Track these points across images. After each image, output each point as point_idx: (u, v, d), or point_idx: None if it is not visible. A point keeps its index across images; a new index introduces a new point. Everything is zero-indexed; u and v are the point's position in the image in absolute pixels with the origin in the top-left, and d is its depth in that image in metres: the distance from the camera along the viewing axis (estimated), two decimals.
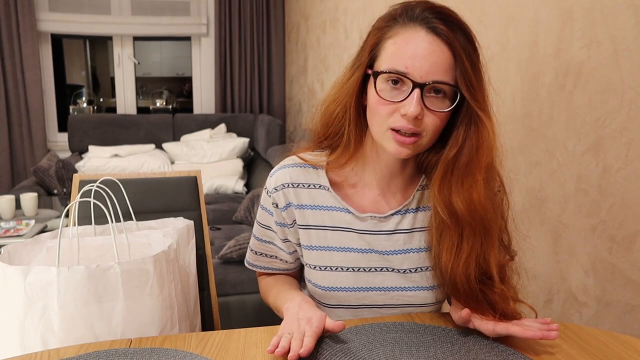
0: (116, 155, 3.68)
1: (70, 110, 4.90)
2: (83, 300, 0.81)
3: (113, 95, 4.61)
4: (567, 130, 1.15)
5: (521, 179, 1.30)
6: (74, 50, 5.27)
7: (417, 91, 0.75)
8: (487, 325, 0.77)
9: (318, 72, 3.30)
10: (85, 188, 0.97)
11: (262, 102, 4.39)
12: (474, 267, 0.79)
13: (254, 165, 3.85)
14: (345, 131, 0.86)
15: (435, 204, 0.83)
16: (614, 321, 1.05)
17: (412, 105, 0.74)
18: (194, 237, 1.12)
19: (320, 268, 0.90)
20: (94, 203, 0.98)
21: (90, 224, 1.07)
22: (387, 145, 0.80)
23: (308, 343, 0.71)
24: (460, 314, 0.79)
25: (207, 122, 4.10)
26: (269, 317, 1.00)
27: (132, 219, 1.09)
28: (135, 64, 4.44)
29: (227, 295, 1.85)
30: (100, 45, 5.35)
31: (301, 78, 3.79)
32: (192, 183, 1.28)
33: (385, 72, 0.77)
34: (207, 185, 3.49)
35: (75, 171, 3.45)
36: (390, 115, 0.78)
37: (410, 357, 0.73)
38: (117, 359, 0.73)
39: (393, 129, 0.78)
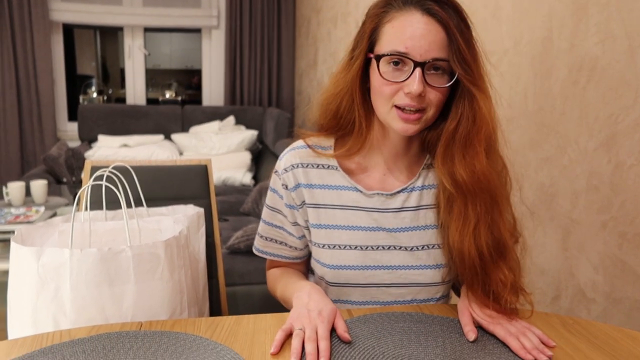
0: (125, 145, 3.70)
1: (80, 100, 4.93)
2: (95, 283, 0.82)
3: (122, 86, 4.63)
4: (580, 126, 1.14)
5: (532, 175, 1.30)
6: (85, 41, 5.29)
7: (418, 70, 0.78)
8: (488, 325, 0.79)
9: (328, 66, 3.30)
10: (98, 173, 0.98)
11: (271, 95, 4.39)
12: (485, 237, 0.81)
13: (262, 158, 3.86)
14: (356, 119, 0.88)
15: (440, 177, 0.86)
16: (622, 318, 1.05)
17: (415, 83, 0.78)
18: (204, 225, 1.12)
19: (328, 246, 0.91)
20: (105, 189, 0.99)
21: (101, 209, 1.08)
22: (393, 124, 0.84)
23: (325, 348, 0.70)
24: (467, 334, 0.78)
25: (216, 114, 4.11)
26: (276, 307, 1.01)
27: (142, 205, 1.10)
28: (145, 55, 4.46)
29: (234, 285, 1.86)
30: (110, 36, 5.36)
31: (311, 72, 3.79)
32: (202, 172, 1.28)
33: (387, 55, 0.80)
34: (215, 177, 3.50)
35: (84, 160, 3.47)
36: (394, 94, 0.81)
37: (419, 346, 0.74)
38: (128, 341, 0.74)
39: (397, 107, 0.82)
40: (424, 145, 0.93)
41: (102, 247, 0.82)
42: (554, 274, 1.24)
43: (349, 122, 0.90)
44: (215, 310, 1.24)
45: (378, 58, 0.81)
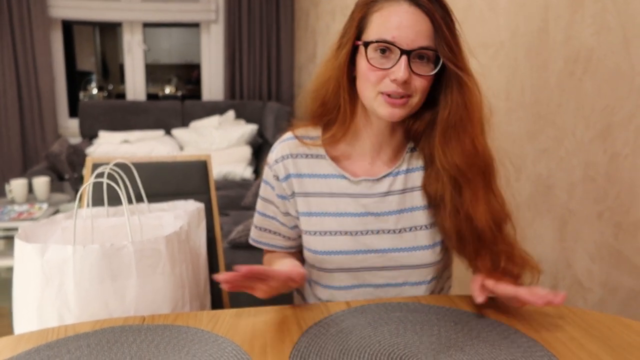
0: (126, 141, 3.71)
1: (81, 96, 4.94)
2: (98, 278, 0.83)
3: (122, 81, 4.63)
4: (576, 117, 1.15)
5: (529, 166, 1.31)
6: (84, 37, 5.30)
7: (404, 58, 0.81)
8: (497, 287, 0.81)
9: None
10: (99, 170, 0.99)
11: (270, 89, 4.39)
12: (489, 214, 0.86)
13: (262, 152, 3.87)
14: (341, 105, 0.91)
15: (443, 163, 0.89)
16: (618, 306, 1.06)
17: (400, 70, 0.81)
18: (205, 220, 1.14)
19: (319, 233, 0.94)
20: (106, 185, 1.00)
21: (103, 205, 1.09)
22: (379, 110, 0.86)
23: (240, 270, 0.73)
24: (476, 298, 0.82)
25: (215, 109, 4.12)
26: (277, 301, 1.03)
27: (143, 201, 1.12)
28: (144, 50, 4.46)
29: None
30: (109, 32, 5.37)
31: (310, 65, 3.79)
32: (202, 167, 1.30)
33: (375, 42, 0.83)
34: (215, 172, 3.51)
35: (86, 156, 3.48)
36: (380, 81, 0.84)
37: (414, 334, 0.75)
38: (132, 334, 0.76)
39: (384, 93, 0.84)
40: (408, 135, 0.96)
41: (105, 243, 0.84)
42: (551, 264, 1.25)
43: (334, 108, 0.93)
44: (216, 304, 1.25)
45: (366, 45, 0.84)
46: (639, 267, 1.01)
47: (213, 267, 1.25)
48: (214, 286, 1.25)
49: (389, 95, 0.84)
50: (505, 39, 1.40)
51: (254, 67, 4.32)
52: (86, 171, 1.25)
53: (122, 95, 4.73)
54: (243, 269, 0.73)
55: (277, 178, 0.97)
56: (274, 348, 0.73)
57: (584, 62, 1.13)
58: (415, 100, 0.85)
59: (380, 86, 0.84)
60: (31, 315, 0.84)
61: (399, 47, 0.81)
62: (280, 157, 0.97)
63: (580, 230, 1.15)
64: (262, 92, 4.37)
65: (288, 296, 1.19)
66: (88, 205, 1.02)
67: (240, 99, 4.35)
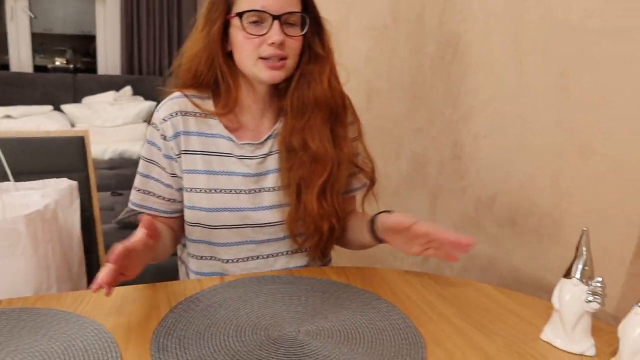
0: (8, 117, 3.41)
1: None
2: None
3: (5, 52, 4.22)
4: (445, 99, 1.24)
5: (406, 145, 1.39)
6: None
7: (276, 22, 0.88)
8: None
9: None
10: None
11: (172, 64, 4.22)
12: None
13: None
14: (220, 78, 0.95)
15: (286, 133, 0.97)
16: (478, 272, 1.18)
17: (276, 34, 0.88)
18: (79, 198, 1.09)
19: (206, 191, 0.96)
20: None
21: None
22: (260, 74, 0.91)
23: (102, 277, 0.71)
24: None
25: (111, 84, 3.89)
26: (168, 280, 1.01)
27: (9, 180, 1.04)
28: (31, 17, 4.08)
29: None
30: None
31: None
32: (78, 143, 1.23)
33: (248, 12, 0.89)
34: (110, 150, 3.34)
35: None
36: (258, 47, 0.90)
37: (283, 305, 0.78)
38: None
39: (263, 58, 0.90)
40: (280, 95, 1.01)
41: None
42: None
43: (209, 80, 0.96)
44: None
45: (240, 15, 0.89)
46: (494, 236, 1.12)
47: (92, 248, 1.20)
48: (93, 267, 1.20)
49: (267, 59, 0.89)
50: (389, 22, 1.46)
51: (153, 40, 4.12)
52: None
53: (5, 67, 4.31)
54: (109, 263, 0.72)
55: (164, 137, 0.96)
56: (140, 325, 0.73)
57: (453, 47, 1.21)
58: (291, 62, 0.92)
59: (259, 51, 0.89)
60: None
61: (270, 14, 0.87)
62: (168, 115, 0.96)
63: (448, 203, 1.25)
64: (163, 67, 4.19)
65: (170, 273, 1.18)
66: None
67: (139, 74, 4.14)
